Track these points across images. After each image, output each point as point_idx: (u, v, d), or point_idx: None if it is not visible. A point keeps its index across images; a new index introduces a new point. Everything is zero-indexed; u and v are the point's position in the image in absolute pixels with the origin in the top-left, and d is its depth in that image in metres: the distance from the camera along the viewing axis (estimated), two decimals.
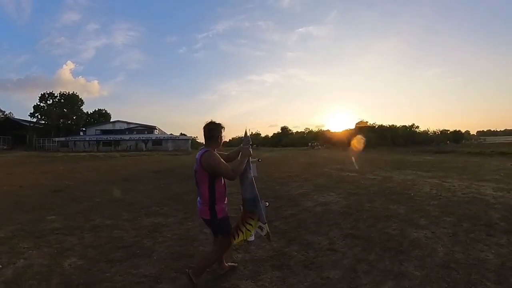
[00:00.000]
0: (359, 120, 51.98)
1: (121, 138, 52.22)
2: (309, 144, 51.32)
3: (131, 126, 58.19)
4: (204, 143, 2.79)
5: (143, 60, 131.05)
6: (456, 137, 49.73)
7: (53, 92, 57.27)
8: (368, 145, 36.44)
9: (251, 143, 2.92)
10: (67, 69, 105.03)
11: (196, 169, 2.67)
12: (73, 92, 59.55)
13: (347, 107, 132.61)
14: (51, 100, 56.91)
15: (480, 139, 59.39)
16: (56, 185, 9.54)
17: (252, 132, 3.22)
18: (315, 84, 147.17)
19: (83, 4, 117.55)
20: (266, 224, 2.81)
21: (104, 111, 70.72)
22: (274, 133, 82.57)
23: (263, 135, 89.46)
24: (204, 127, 2.75)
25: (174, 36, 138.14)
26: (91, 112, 67.90)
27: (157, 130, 60.20)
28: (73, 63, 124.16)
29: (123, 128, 57.47)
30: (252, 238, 2.94)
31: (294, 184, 8.99)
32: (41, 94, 56.55)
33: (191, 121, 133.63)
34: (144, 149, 49.23)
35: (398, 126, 48.37)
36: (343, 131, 52.92)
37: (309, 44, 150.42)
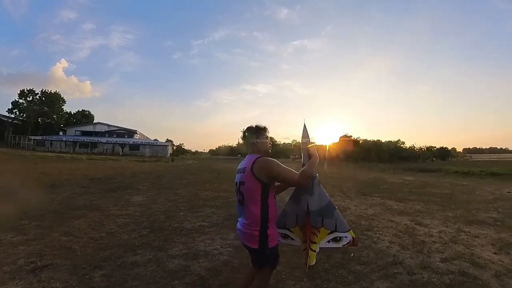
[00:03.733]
0: (343, 134, 50.14)
1: (98, 140, 50.89)
2: (291, 156, 49.12)
3: (112, 129, 57.35)
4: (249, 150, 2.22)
5: (138, 63, 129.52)
6: (442, 154, 48.04)
7: (33, 89, 55.91)
8: (350, 160, 34.80)
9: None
10: (60, 67, 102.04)
11: (243, 180, 2.06)
12: (56, 91, 58.09)
13: (337, 120, 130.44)
14: (31, 97, 55.21)
15: (466, 156, 59.68)
16: None
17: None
18: (307, 97, 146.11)
19: (81, 3, 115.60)
20: (350, 230, 2.21)
21: (87, 112, 69.29)
22: None
23: None
24: (245, 131, 2.23)
25: (170, 41, 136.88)
26: (74, 112, 66.01)
27: (137, 135, 59.45)
28: (67, 61, 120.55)
29: (103, 130, 56.38)
30: (314, 262, 2.29)
31: (206, 211, 6.46)
32: (21, 90, 55.36)
33: (182, 127, 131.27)
34: (121, 153, 48.38)
35: (383, 141, 46.41)
36: (329, 144, 51.46)
37: (304, 57, 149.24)
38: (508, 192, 10.47)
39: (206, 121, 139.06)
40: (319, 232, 2.24)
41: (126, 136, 55.44)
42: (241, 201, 2.12)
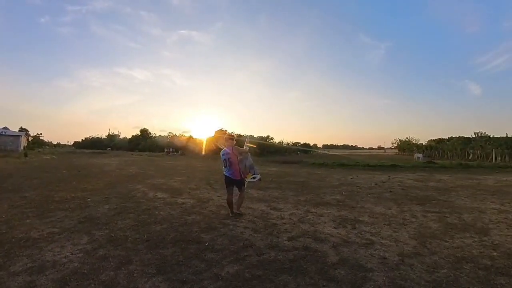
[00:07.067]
0: (218, 128, 51.14)
1: None
2: (165, 150, 47.21)
3: None
4: (226, 143, 5.46)
5: None
6: (306, 149, 53.93)
7: None
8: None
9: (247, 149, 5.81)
10: None
11: (230, 155, 5.25)
12: None
13: (215, 116, 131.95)
14: None
15: (324, 151, 68.77)
16: None
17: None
18: (187, 89, 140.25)
19: None
20: (259, 174, 5.87)
21: None
22: (132, 136, 73.07)
23: (122, 136, 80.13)
24: (226, 137, 5.60)
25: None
26: None
27: None
28: None
29: None
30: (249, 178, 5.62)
31: (58, 215, 5.42)
32: None
33: (41, 112, 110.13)
34: None
35: (255, 136, 49.30)
36: (206, 138, 51.59)
37: (189, 48, 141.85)
38: (352, 178, 12.29)
39: (70, 106, 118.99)
40: (247, 174, 5.51)
41: None
42: (230, 166, 5.21)
